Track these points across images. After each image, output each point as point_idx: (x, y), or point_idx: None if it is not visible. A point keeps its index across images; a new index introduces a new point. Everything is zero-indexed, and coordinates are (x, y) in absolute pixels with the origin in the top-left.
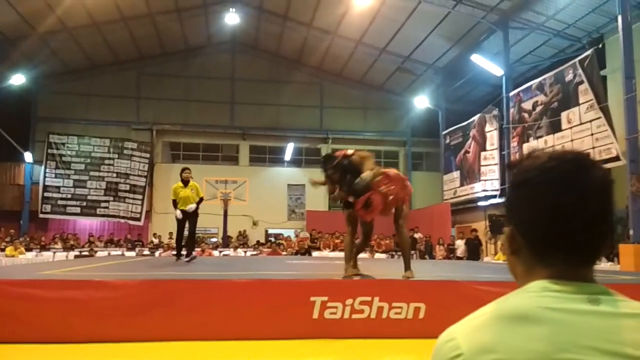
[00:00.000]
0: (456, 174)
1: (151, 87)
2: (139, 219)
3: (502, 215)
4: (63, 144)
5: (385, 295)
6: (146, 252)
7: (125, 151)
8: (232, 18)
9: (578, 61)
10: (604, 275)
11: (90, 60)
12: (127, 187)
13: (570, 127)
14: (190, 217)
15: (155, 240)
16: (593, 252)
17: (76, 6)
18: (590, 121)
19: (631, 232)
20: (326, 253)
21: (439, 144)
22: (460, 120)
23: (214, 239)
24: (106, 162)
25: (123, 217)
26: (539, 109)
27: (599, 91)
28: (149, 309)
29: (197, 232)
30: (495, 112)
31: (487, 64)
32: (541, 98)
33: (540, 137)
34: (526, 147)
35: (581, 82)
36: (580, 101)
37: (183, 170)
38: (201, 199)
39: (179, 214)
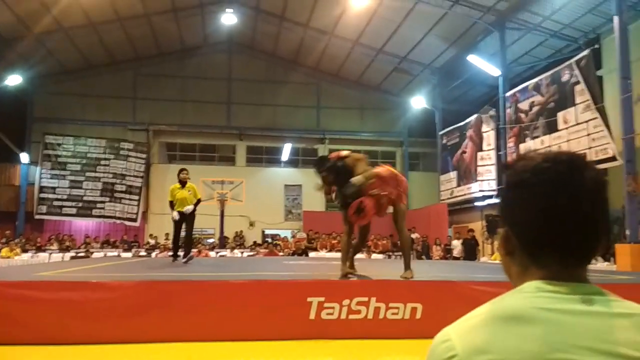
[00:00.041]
0: (453, 174)
1: (147, 88)
2: (135, 220)
3: (497, 215)
4: (59, 144)
5: (382, 296)
6: (142, 253)
7: (121, 152)
8: (228, 18)
9: (574, 61)
10: (601, 275)
11: (86, 61)
12: (123, 188)
13: (567, 128)
14: (187, 219)
15: (152, 241)
16: (587, 252)
17: (72, 6)
18: (587, 121)
19: (627, 232)
20: (323, 253)
21: (435, 144)
22: (457, 120)
23: (211, 240)
24: (102, 162)
25: (119, 218)
26: (535, 109)
27: (595, 91)
28: (146, 310)
29: (193, 232)
30: (492, 112)
31: (484, 65)
32: (538, 98)
33: (537, 137)
34: (523, 148)
35: (577, 83)
36: (577, 101)
37: (180, 171)
38: (199, 201)
39: (175, 215)
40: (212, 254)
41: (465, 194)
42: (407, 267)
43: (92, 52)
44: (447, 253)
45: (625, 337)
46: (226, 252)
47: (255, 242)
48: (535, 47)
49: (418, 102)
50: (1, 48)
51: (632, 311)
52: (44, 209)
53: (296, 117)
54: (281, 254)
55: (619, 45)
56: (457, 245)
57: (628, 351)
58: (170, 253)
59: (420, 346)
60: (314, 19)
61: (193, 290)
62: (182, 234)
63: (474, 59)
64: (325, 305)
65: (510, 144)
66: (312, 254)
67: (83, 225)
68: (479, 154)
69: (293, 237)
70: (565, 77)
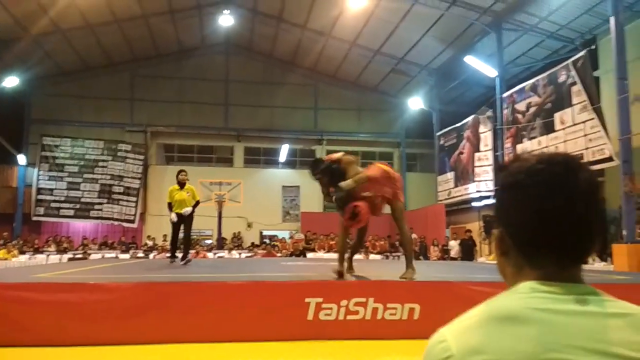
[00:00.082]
0: (450, 175)
1: (145, 89)
2: (133, 221)
3: (493, 215)
4: (56, 146)
5: (380, 296)
6: (140, 254)
7: (119, 153)
8: (226, 20)
9: (571, 62)
10: (598, 275)
11: (83, 62)
12: (121, 189)
13: (564, 128)
14: (185, 220)
15: (150, 243)
16: (581, 253)
17: (69, 8)
18: (584, 122)
19: (624, 232)
20: (321, 254)
21: (433, 145)
22: (454, 121)
23: (209, 241)
24: (100, 164)
25: (117, 220)
26: (532, 110)
27: (592, 92)
28: (144, 311)
29: (191, 234)
30: (489, 113)
31: (481, 66)
32: (534, 99)
33: (534, 138)
34: (520, 148)
35: (574, 83)
36: (574, 102)
37: (179, 172)
38: (197, 202)
39: (173, 217)
40: (210, 255)
41: (462, 195)
42: (409, 265)
43: (89, 53)
44: (445, 253)
45: (619, 337)
46: (224, 253)
47: (253, 243)
48: (532, 48)
49: (415, 103)
50: None
51: (626, 311)
52: (41, 210)
53: (294, 118)
54: (279, 255)
55: (615, 46)
56: (454, 245)
57: (622, 351)
58: (168, 254)
59: (418, 347)
60: (312, 20)
61: (191, 292)
62: (180, 235)
63: (471, 60)
64: (323, 306)
65: (508, 144)
66: (310, 255)
67: (81, 226)
68: (476, 154)
69: (291, 238)
70: (562, 78)
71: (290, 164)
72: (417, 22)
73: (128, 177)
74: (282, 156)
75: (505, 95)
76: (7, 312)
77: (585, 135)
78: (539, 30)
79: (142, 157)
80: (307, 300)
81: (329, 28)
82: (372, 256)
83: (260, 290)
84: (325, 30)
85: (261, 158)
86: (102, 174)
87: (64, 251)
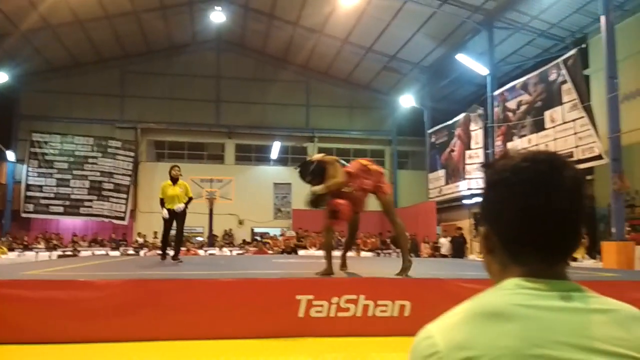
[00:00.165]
0: (441, 173)
1: (135, 85)
2: (123, 218)
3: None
4: (46, 142)
5: (371, 294)
6: (131, 251)
7: (109, 150)
8: (217, 16)
9: (562, 61)
10: (587, 272)
11: (73, 58)
12: (111, 186)
13: (554, 126)
14: (177, 217)
15: (140, 240)
16: (566, 250)
17: (59, 3)
18: (574, 120)
19: (613, 229)
20: (312, 252)
21: (424, 142)
22: (445, 119)
23: (200, 238)
24: (90, 160)
25: (107, 217)
26: (523, 108)
27: (582, 90)
28: (134, 308)
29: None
30: (480, 111)
31: (472, 64)
32: (525, 97)
33: (524, 136)
34: (510, 146)
35: (565, 82)
36: (564, 100)
37: (172, 167)
38: (190, 199)
39: (165, 213)
40: (201, 252)
41: (453, 192)
42: (404, 260)
43: (79, 49)
44: (436, 251)
45: (602, 333)
46: (215, 251)
47: (244, 241)
48: (523, 47)
49: (407, 101)
50: None
51: (609, 307)
52: (30, 207)
53: (285, 115)
54: (270, 252)
55: (605, 45)
56: (445, 243)
57: (604, 346)
58: (159, 251)
59: (409, 343)
60: (304, 17)
61: (182, 289)
62: (172, 232)
63: (462, 58)
64: (314, 303)
65: (498, 142)
66: (301, 252)
67: (71, 223)
68: (467, 152)
69: (282, 235)
70: (552, 76)
71: (281, 161)
72: (409, 20)
73: (118, 174)
74: (274, 153)
75: (496, 93)
76: None
77: (575, 133)
78: (530, 29)
79: (132, 153)
80: (298, 297)
81: (321, 25)
82: (363, 253)
83: (252, 287)
84: (317, 28)
85: (252, 155)
86: (92, 171)
87: (53, 248)
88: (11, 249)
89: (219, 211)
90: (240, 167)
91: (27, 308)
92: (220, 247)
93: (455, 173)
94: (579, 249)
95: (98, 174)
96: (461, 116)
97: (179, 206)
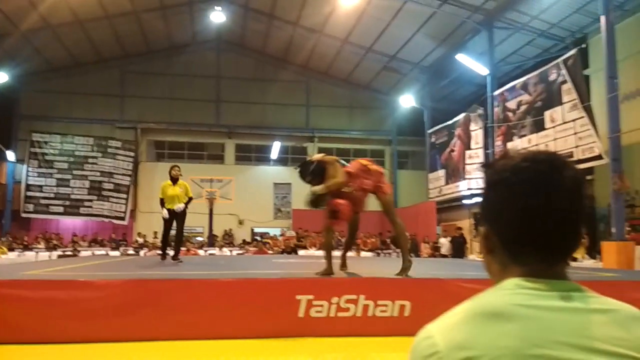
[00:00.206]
0: (441, 173)
1: (135, 85)
2: (123, 218)
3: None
4: (46, 142)
5: (371, 294)
6: (131, 251)
7: (109, 150)
8: (217, 16)
9: (562, 61)
10: (587, 272)
11: (73, 58)
12: (111, 186)
13: (554, 126)
14: (177, 217)
15: (140, 240)
16: (566, 250)
17: (59, 3)
18: (574, 120)
19: (613, 229)
20: (312, 252)
21: (424, 142)
22: (445, 119)
23: (200, 238)
24: (90, 160)
25: (107, 217)
26: (523, 108)
27: (582, 90)
28: (134, 308)
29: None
30: (480, 111)
31: (472, 64)
32: (525, 97)
33: (524, 136)
34: (510, 146)
35: (565, 82)
36: (564, 100)
37: (172, 167)
38: (190, 199)
39: (165, 213)
40: (201, 252)
41: (453, 192)
42: (404, 260)
43: (79, 49)
44: (436, 251)
45: (602, 333)
46: (215, 251)
47: (244, 241)
48: (523, 47)
49: (407, 101)
50: None
51: (609, 307)
52: (30, 207)
53: (285, 115)
54: (270, 252)
55: (605, 45)
56: (445, 243)
57: (605, 346)
58: (159, 251)
59: (409, 343)
60: (304, 17)
61: (182, 289)
62: (172, 232)
63: (462, 58)
64: (314, 303)
65: (498, 142)
66: (301, 252)
67: (70, 223)
68: (467, 152)
69: (282, 235)
70: (552, 76)
71: (281, 161)
72: (409, 20)
73: (118, 174)
74: (274, 153)
75: (496, 93)
76: None
77: (575, 133)
78: (530, 29)
79: (132, 153)
80: (298, 297)
81: (321, 25)
82: (363, 253)
83: (252, 287)
84: (317, 28)
85: (252, 155)
86: (92, 171)
87: (53, 248)
88: (11, 249)
89: (219, 211)
90: (240, 167)
91: (27, 308)
92: (220, 247)
93: (455, 173)
94: (579, 249)
95: (98, 174)
96: (461, 116)
97: (179, 206)
